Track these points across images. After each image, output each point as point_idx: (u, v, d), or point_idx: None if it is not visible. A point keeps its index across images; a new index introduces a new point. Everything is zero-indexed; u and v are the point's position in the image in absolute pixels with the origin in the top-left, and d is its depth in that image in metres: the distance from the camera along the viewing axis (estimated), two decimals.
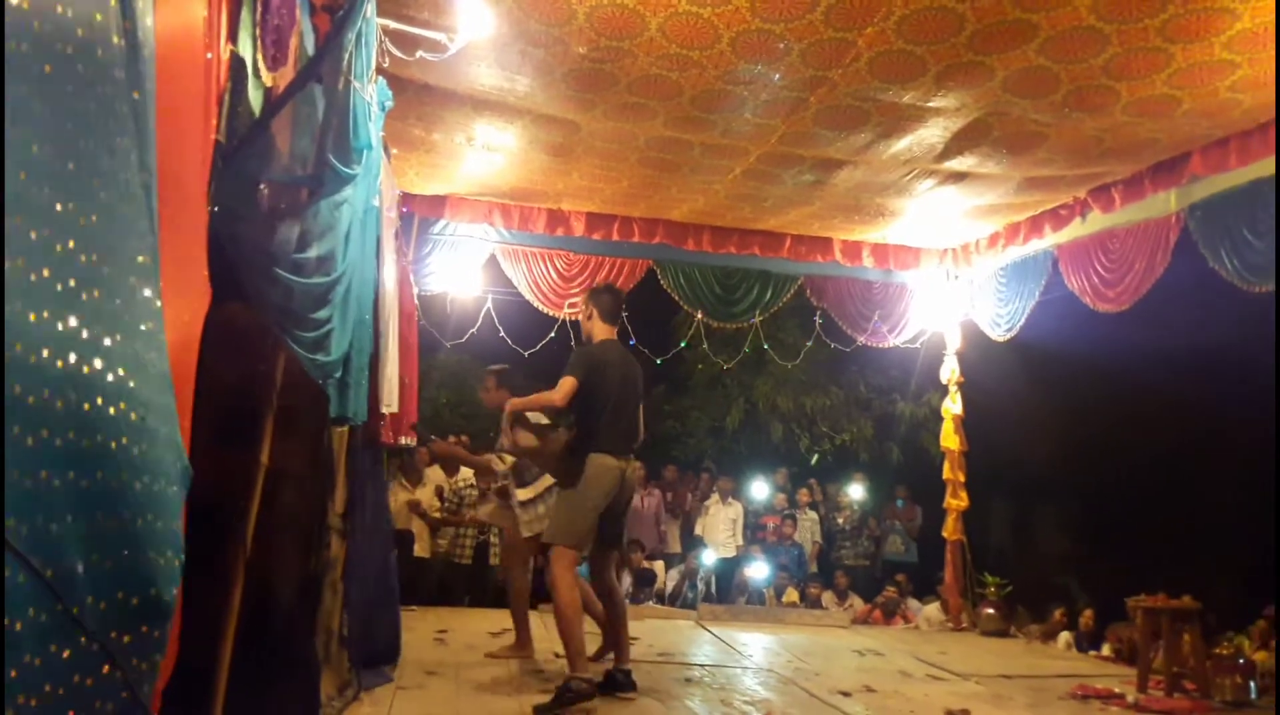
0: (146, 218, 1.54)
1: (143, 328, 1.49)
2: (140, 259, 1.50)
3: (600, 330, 4.79)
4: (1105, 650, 8.06)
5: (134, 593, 1.41)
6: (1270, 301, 5.51)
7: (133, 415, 1.42)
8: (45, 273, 1.26)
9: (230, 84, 2.63)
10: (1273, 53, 4.44)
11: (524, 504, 5.39)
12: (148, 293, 1.51)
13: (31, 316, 1.22)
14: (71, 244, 1.32)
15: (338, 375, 3.55)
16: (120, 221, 1.45)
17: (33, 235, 1.24)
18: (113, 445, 1.38)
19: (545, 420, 4.74)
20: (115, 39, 1.48)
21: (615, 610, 4.75)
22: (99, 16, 1.44)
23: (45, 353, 1.25)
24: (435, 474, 8.31)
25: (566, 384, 4.50)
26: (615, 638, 4.75)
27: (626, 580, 8.98)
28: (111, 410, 1.38)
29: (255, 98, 2.80)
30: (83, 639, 1.30)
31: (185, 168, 2.18)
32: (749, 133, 5.80)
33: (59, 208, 1.30)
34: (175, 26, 2.08)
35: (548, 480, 5.24)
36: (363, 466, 4.77)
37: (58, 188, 1.30)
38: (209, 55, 2.39)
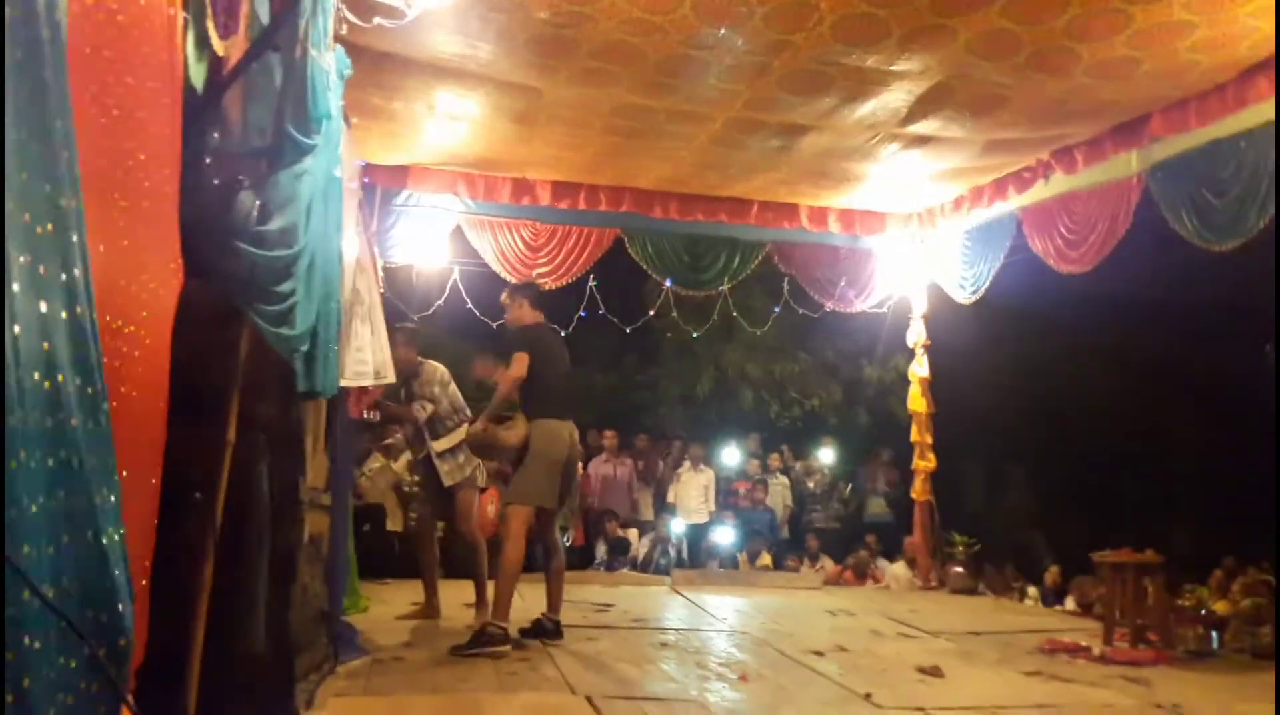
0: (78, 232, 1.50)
1: (79, 310, 1.48)
2: (77, 272, 1.47)
3: (530, 316, 5.32)
4: (1069, 604, 8.24)
5: (99, 572, 1.42)
6: (1229, 260, 5.59)
7: (89, 390, 1.43)
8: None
9: (186, 55, 2.56)
10: (1230, 14, 4.47)
11: (441, 454, 5.52)
12: (81, 309, 1.49)
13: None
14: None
15: (304, 349, 3.51)
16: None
17: None
18: (72, 421, 1.38)
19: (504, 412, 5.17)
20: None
21: (554, 564, 5.20)
22: None
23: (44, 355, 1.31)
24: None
25: (521, 358, 4.99)
26: (549, 588, 5.17)
27: (601, 549, 9.03)
28: (70, 388, 1.38)
29: (201, 68, 2.73)
30: (63, 624, 1.31)
31: (153, 145, 2.13)
32: (713, 98, 5.77)
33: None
34: None
35: (463, 432, 5.45)
36: (339, 440, 4.77)
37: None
38: (166, 27, 2.32)
